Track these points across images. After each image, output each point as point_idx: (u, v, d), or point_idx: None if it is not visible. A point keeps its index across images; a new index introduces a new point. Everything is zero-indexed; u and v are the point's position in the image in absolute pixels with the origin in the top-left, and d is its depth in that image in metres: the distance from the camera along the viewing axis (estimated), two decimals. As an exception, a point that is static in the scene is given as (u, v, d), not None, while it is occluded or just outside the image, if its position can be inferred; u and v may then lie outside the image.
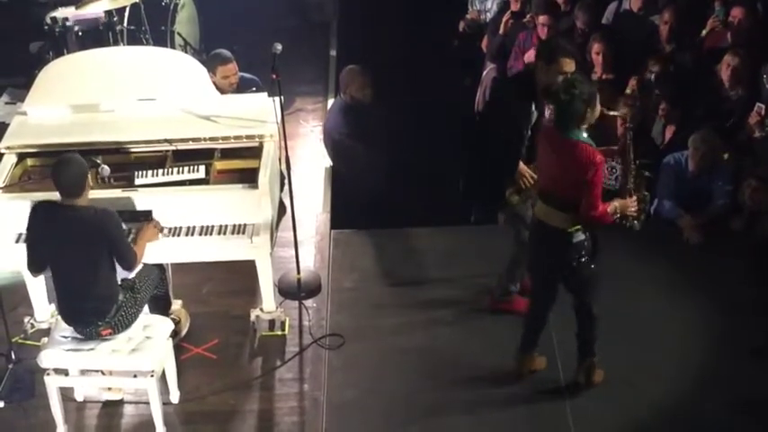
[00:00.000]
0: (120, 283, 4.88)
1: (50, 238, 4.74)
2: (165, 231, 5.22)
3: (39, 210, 4.79)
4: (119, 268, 4.84)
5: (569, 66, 4.98)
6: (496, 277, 5.72)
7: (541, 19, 7.24)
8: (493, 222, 6.30)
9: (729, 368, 5.31)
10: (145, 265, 5.04)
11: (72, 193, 4.68)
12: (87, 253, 4.69)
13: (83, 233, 4.67)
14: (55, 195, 4.83)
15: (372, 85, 6.88)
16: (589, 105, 4.56)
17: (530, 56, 7.12)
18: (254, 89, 6.31)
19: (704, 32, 7.24)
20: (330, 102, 7.83)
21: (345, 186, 6.93)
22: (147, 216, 5.22)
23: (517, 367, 5.26)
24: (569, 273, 4.87)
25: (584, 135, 4.61)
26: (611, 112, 4.92)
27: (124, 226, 4.94)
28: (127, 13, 7.65)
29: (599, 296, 4.95)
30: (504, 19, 7.85)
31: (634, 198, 4.87)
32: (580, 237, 4.73)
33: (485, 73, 7.98)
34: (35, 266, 4.90)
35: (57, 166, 4.70)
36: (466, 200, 6.04)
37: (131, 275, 4.98)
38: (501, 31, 7.84)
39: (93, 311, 4.77)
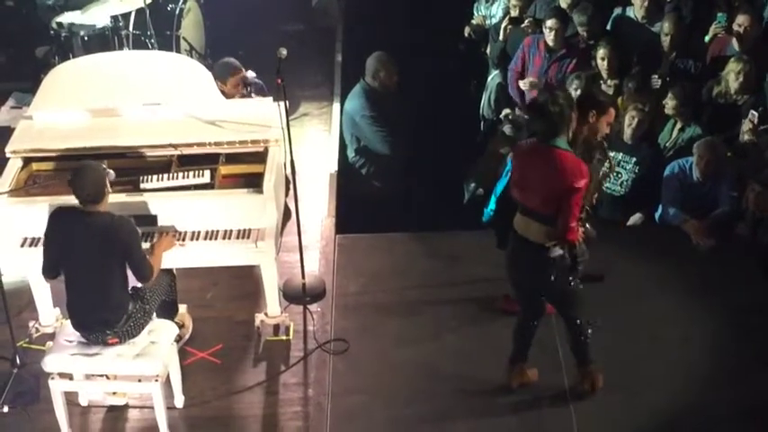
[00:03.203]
0: (130, 292, 4.86)
1: (67, 244, 4.72)
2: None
3: (58, 215, 4.78)
4: (131, 277, 4.81)
5: (613, 114, 5.03)
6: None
7: (549, 23, 7.24)
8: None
9: (734, 372, 5.31)
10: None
11: (92, 201, 4.67)
12: (101, 260, 4.68)
13: (98, 239, 4.66)
14: (62, 200, 4.82)
15: (398, 73, 6.96)
16: (572, 110, 4.62)
17: (524, 83, 7.40)
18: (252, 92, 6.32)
19: (707, 39, 7.25)
20: (336, 106, 7.83)
21: (358, 178, 7.00)
22: (152, 221, 5.23)
23: (507, 380, 5.23)
24: (546, 288, 4.87)
25: (566, 144, 4.62)
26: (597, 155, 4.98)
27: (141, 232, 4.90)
28: (132, 18, 7.67)
29: (586, 309, 4.94)
30: (503, 25, 7.87)
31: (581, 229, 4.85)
32: (558, 252, 4.70)
33: (490, 78, 8.01)
34: (50, 271, 4.87)
35: (74, 175, 4.66)
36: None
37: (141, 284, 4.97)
38: (501, 37, 7.86)
39: (102, 320, 4.76)
